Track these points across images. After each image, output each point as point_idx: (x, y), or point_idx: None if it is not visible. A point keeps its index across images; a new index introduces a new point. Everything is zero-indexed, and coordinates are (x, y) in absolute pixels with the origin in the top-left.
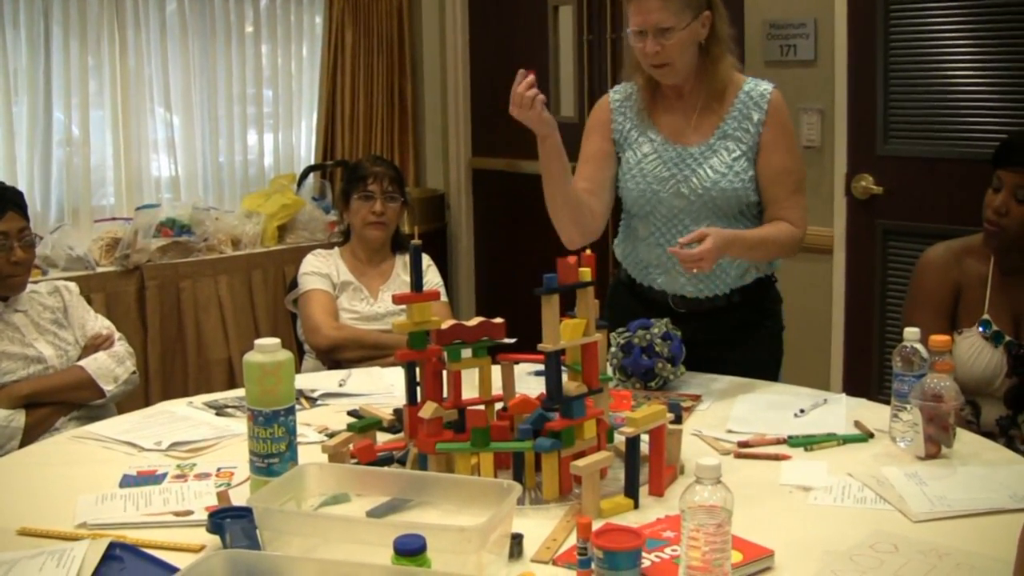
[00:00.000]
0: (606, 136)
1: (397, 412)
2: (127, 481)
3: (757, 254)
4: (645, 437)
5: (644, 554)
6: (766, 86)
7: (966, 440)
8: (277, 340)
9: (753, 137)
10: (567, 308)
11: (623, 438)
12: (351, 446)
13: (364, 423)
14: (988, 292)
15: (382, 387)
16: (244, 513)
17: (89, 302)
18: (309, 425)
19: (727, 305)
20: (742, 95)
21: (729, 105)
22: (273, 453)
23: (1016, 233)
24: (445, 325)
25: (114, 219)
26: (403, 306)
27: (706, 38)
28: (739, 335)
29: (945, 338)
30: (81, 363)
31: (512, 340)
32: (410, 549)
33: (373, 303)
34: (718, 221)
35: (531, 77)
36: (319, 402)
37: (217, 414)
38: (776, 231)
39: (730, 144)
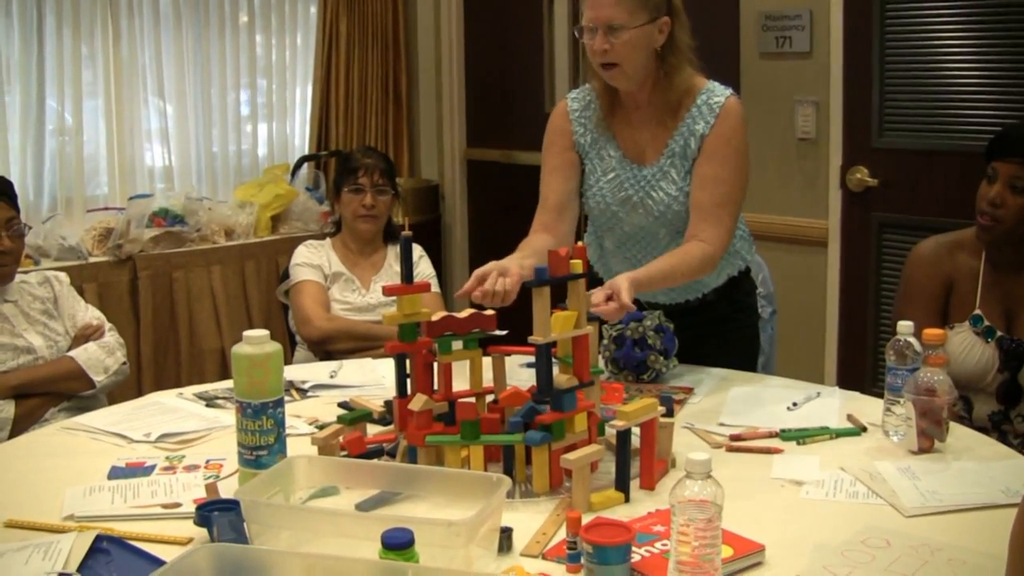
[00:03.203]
0: (568, 146)
1: (387, 404)
2: (115, 473)
3: (668, 284)
4: (636, 430)
5: (634, 548)
6: (719, 98)
7: (959, 434)
8: (266, 332)
9: (694, 152)
10: (558, 300)
11: (614, 431)
12: (341, 438)
13: (354, 415)
14: (979, 287)
15: (373, 378)
16: (232, 506)
17: (81, 292)
18: (299, 417)
19: (700, 305)
20: (694, 109)
21: (680, 121)
22: (261, 445)
23: (1011, 225)
24: (436, 317)
25: (107, 209)
26: (394, 297)
27: (663, 46)
28: (713, 329)
29: (939, 332)
30: (71, 354)
31: (503, 332)
32: (398, 543)
33: (365, 294)
34: (677, 236)
35: (482, 287)
36: (309, 393)
37: (207, 405)
38: (683, 257)
39: (677, 163)
